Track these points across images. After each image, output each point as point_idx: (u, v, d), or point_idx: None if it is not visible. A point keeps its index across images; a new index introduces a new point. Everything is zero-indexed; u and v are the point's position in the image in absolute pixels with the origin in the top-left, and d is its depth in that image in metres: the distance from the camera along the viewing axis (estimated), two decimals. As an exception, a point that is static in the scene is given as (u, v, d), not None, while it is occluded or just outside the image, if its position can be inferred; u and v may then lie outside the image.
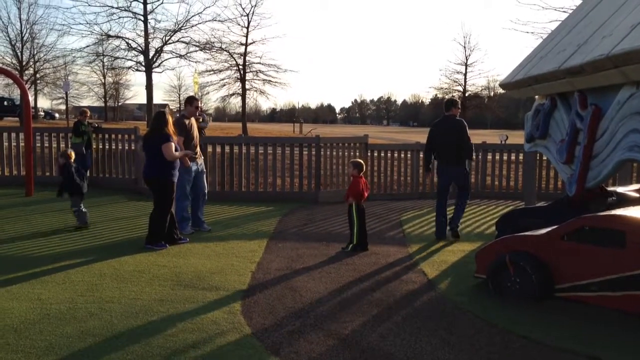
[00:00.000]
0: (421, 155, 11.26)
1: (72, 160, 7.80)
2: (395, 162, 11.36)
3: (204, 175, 7.69)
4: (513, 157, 11.75)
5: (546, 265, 4.71)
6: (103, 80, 57.74)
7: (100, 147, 11.85)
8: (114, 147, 11.70)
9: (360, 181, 6.66)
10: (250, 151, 10.59)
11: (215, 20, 35.43)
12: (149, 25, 33.44)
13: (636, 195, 5.84)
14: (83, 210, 7.64)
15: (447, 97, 47.11)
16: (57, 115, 51.81)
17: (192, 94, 29.43)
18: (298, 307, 4.60)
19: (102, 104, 61.84)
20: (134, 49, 34.36)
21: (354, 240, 6.62)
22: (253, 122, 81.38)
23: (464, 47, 47.98)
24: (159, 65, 34.93)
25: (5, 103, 39.63)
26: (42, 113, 48.00)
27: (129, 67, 37.02)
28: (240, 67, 37.16)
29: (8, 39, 37.69)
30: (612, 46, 3.57)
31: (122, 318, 4.22)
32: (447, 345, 3.84)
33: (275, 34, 77.50)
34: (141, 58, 34.56)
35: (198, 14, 40.23)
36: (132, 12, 33.53)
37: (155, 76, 58.23)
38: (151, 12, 33.75)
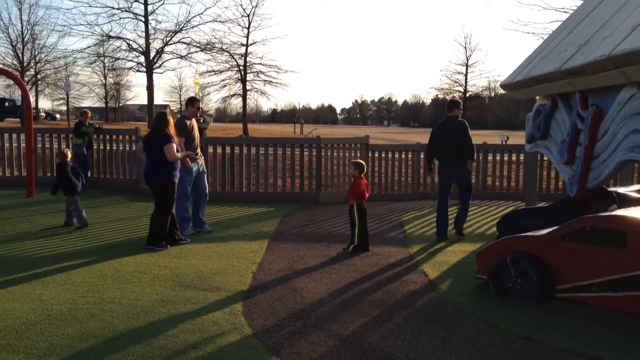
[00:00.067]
0: (421, 156, 11.30)
1: (69, 159, 7.82)
2: (396, 163, 11.36)
3: (205, 176, 7.69)
4: (514, 158, 11.74)
5: (547, 266, 4.71)
6: (104, 81, 57.84)
7: (101, 147, 11.86)
8: (114, 148, 11.71)
9: (361, 182, 6.66)
10: (251, 152, 10.59)
11: (216, 21, 35.55)
12: (149, 26, 33.55)
13: (637, 195, 5.83)
14: (82, 211, 7.66)
15: (448, 97, 47.27)
16: (58, 116, 51.88)
17: (192, 94, 29.48)
18: (299, 307, 4.60)
19: (103, 105, 61.89)
20: (135, 49, 34.45)
21: (355, 241, 6.62)
22: (254, 122, 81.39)
23: (465, 47, 48.05)
24: (159, 66, 35.02)
25: (7, 104, 39.67)
26: (43, 114, 48.07)
27: (130, 68, 37.12)
28: (241, 67, 37.21)
29: (9, 40, 37.82)
30: (612, 47, 3.56)
31: (123, 319, 4.22)
32: (448, 346, 3.84)
33: (276, 35, 77.52)
34: (142, 59, 34.64)
35: (199, 14, 40.13)
36: (133, 13, 33.64)
37: (156, 77, 58.31)
38: (152, 12, 33.90)
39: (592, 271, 4.49)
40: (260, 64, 37.63)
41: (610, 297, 4.41)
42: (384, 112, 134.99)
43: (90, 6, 32.98)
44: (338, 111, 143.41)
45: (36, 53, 38.94)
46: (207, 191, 7.72)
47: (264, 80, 38.38)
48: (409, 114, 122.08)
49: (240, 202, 10.12)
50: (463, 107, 7.80)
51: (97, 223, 8.00)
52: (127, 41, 34.17)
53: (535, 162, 8.00)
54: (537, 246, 4.82)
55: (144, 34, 33.51)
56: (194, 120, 7.49)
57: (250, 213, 9.19)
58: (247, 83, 37.96)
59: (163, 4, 34.97)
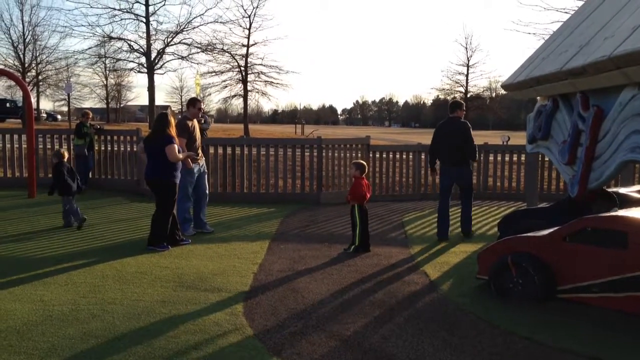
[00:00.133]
0: (422, 157, 11.31)
1: (66, 160, 7.86)
2: (397, 163, 11.36)
3: (206, 177, 7.69)
4: (515, 158, 11.74)
5: (548, 267, 4.70)
6: (105, 82, 57.94)
7: (102, 148, 11.87)
8: (116, 148, 11.72)
9: (362, 182, 6.66)
10: (252, 152, 10.59)
11: (217, 21, 35.58)
12: (150, 27, 33.52)
13: (638, 196, 5.83)
14: (78, 211, 7.71)
15: (449, 98, 47.23)
16: (59, 117, 51.85)
17: (194, 95, 29.50)
18: (300, 308, 4.60)
19: (104, 106, 61.97)
20: (136, 50, 34.45)
21: (356, 242, 6.62)
22: (255, 123, 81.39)
23: (466, 48, 48.07)
24: (160, 67, 35.00)
25: (8, 105, 39.67)
26: (45, 115, 48.08)
27: (131, 69, 37.12)
28: (242, 68, 37.18)
29: (10, 41, 37.85)
30: (614, 47, 3.56)
31: (124, 319, 4.23)
32: (449, 347, 3.84)
33: (276, 36, 77.63)
34: (143, 60, 34.64)
35: (200, 15, 40.13)
36: (134, 14, 33.64)
37: (157, 78, 58.40)
38: (153, 13, 33.84)
39: (593, 272, 4.49)
40: (261, 64, 37.62)
41: (611, 298, 4.40)
42: (385, 112, 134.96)
43: (91, 7, 33.23)
44: (339, 112, 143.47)
45: (37, 54, 38.99)
46: (208, 192, 7.72)
47: (265, 81, 38.35)
48: (409, 114, 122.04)
49: (241, 203, 10.13)
50: (464, 108, 7.82)
51: (98, 224, 8.01)
52: (128, 42, 34.22)
53: (537, 162, 8.00)
54: (538, 247, 4.82)
55: (145, 34, 33.52)
56: (195, 121, 7.49)
57: (251, 214, 9.19)
58: (248, 84, 37.92)
59: (164, 4, 34.87)
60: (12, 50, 38.01)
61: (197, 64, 36.30)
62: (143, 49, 34.05)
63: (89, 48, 36.16)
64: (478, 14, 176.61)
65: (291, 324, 4.24)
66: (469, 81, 48.52)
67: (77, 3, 33.18)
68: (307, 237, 7.47)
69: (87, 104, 55.55)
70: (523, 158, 11.27)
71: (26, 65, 38.08)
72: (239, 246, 6.83)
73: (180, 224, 7.01)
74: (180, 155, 6.57)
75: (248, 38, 36.70)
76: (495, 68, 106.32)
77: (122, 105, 69.16)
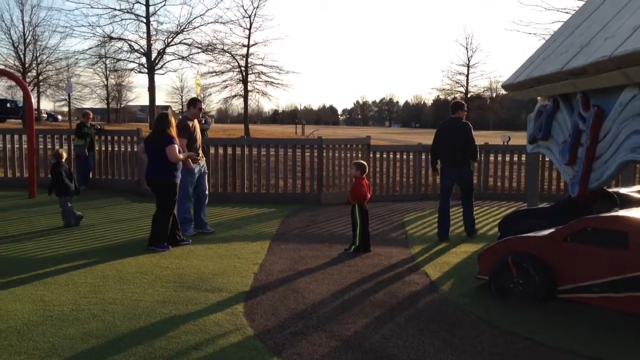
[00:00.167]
0: (423, 157, 11.32)
1: (64, 160, 7.92)
2: (397, 164, 11.36)
3: (206, 177, 7.69)
4: (515, 159, 11.73)
5: (549, 267, 4.70)
6: (105, 82, 57.96)
7: (103, 149, 11.88)
8: (116, 149, 11.73)
9: (362, 183, 6.66)
10: (253, 153, 10.60)
11: (217, 22, 35.58)
12: (151, 27, 33.53)
13: (639, 196, 5.83)
14: (73, 211, 7.75)
15: (449, 98, 47.20)
16: (59, 117, 51.84)
17: (194, 95, 29.47)
18: (300, 308, 4.60)
19: (105, 106, 61.98)
20: (137, 50, 34.47)
21: (356, 242, 6.62)
22: (255, 123, 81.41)
23: (466, 48, 48.11)
24: (161, 67, 35.03)
25: (8, 105, 39.64)
26: (45, 115, 48.01)
27: (132, 69, 37.15)
28: (243, 68, 37.18)
29: (11, 41, 37.87)
30: (614, 47, 3.56)
31: (125, 320, 4.23)
32: (449, 347, 3.84)
33: (277, 36, 77.60)
34: (143, 60, 34.66)
35: (200, 15, 40.05)
36: (135, 14, 33.66)
37: (157, 78, 58.38)
38: (153, 14, 33.84)
39: (593, 272, 4.49)
40: (262, 64, 37.61)
41: (612, 298, 4.40)
42: (386, 112, 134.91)
43: (92, 7, 33.25)
44: (339, 112, 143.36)
45: (38, 54, 39.00)
46: (208, 192, 7.71)
47: (266, 81, 38.35)
48: (410, 114, 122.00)
49: (242, 203, 10.13)
50: (466, 109, 7.84)
51: (98, 224, 8.01)
52: (129, 42, 34.23)
53: (537, 162, 8.00)
54: (539, 247, 4.81)
55: (145, 35, 33.54)
56: (195, 121, 7.49)
57: (251, 214, 9.19)
58: (249, 84, 37.92)
59: (164, 5, 34.80)
60: (12, 51, 38.08)
61: (198, 64, 36.33)
62: (143, 49, 34.07)
63: (90, 48, 36.23)
64: (478, 14, 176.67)
65: (292, 324, 4.24)
66: (469, 81, 48.58)
67: (78, 3, 33.14)
68: (308, 237, 7.47)
69: (87, 104, 55.58)
70: (523, 158, 11.27)
71: (27, 65, 38.11)
72: (240, 246, 6.83)
73: (180, 224, 7.01)
74: (181, 156, 6.57)
75: (248, 38, 36.71)
76: (496, 68, 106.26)
77: (122, 106, 69.18)
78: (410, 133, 59.89)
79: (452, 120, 7.53)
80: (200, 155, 7.45)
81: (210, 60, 37.21)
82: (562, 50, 4.80)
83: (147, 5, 33.33)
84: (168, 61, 35.46)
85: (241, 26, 36.80)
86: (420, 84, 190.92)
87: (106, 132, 12.25)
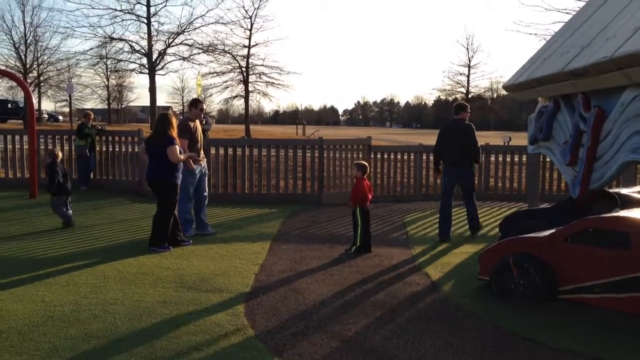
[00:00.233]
0: (424, 157, 11.32)
1: (59, 160, 7.97)
2: (398, 164, 11.36)
3: (206, 179, 7.68)
4: (516, 159, 11.73)
5: (550, 267, 4.70)
6: (106, 83, 57.97)
7: (104, 149, 11.89)
8: (117, 149, 11.74)
9: (363, 183, 6.66)
10: (254, 153, 10.60)
11: (218, 22, 35.62)
12: (152, 28, 33.57)
13: (640, 196, 5.82)
14: (66, 210, 7.80)
15: (450, 99, 47.21)
16: (60, 117, 51.87)
17: (195, 96, 29.46)
18: (301, 309, 4.60)
19: (106, 107, 62.01)
20: (137, 51, 34.52)
21: (357, 242, 6.62)
22: (256, 124, 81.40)
23: (467, 48, 48.09)
24: (162, 68, 35.07)
25: (9, 106, 39.65)
26: (46, 115, 48.06)
27: (132, 70, 37.21)
28: (243, 69, 37.20)
29: (12, 41, 37.86)
30: (615, 48, 3.56)
31: (126, 320, 4.23)
32: (450, 347, 3.84)
33: (278, 36, 77.62)
34: (144, 60, 34.71)
35: (201, 16, 40.03)
36: (136, 15, 33.71)
37: (158, 78, 58.41)
38: (154, 14, 33.87)
39: (594, 272, 4.49)
40: (263, 65, 37.63)
41: (613, 299, 4.40)
42: (386, 113, 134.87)
43: (92, 8, 33.15)
44: (340, 112, 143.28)
45: (39, 55, 38.98)
46: (207, 194, 7.67)
47: (266, 82, 38.37)
48: (411, 115, 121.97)
49: (243, 203, 10.13)
50: (469, 110, 7.85)
51: (99, 224, 8.02)
52: (130, 43, 34.28)
53: (538, 163, 8.00)
54: (540, 247, 4.81)
55: (146, 35, 33.57)
56: (197, 121, 7.49)
57: (252, 214, 9.20)
58: (250, 84, 37.94)
59: (165, 5, 34.85)
60: (13, 51, 38.05)
61: (199, 64, 36.35)
62: (144, 50, 34.11)
63: (91, 49, 36.13)
64: (479, 15, 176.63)
65: (292, 324, 4.24)
66: (470, 82, 48.55)
67: (79, 4, 33.13)
68: (309, 237, 7.47)
69: (88, 105, 55.65)
70: (524, 159, 11.26)
71: (27, 66, 38.11)
72: (240, 247, 6.83)
73: (181, 224, 7.01)
74: (182, 156, 6.58)
75: (249, 39, 36.74)
76: (497, 69, 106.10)
77: (123, 106, 69.20)
78: (411, 133, 59.87)
79: (455, 122, 7.56)
80: (201, 156, 7.45)
81: (211, 61, 37.24)
82: (563, 51, 4.80)
83: (148, 5, 33.37)
84: (169, 62, 35.55)
85: (242, 27, 36.80)
86: (421, 84, 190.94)
87: (107, 132, 12.25)
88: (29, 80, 36.97)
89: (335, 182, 10.76)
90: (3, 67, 32.48)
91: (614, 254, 4.36)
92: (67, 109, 48.31)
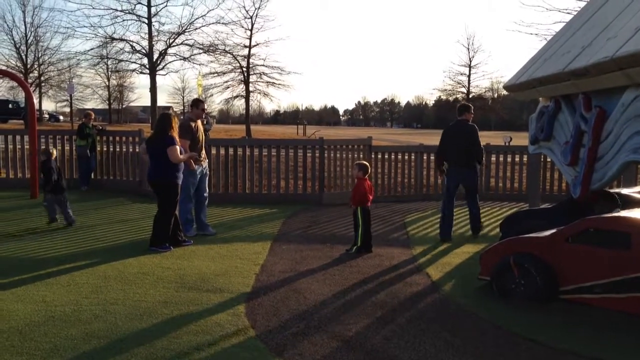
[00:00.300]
0: (424, 157, 11.31)
1: (54, 158, 8.00)
2: (399, 164, 11.36)
3: (207, 179, 7.67)
4: (517, 159, 11.72)
5: (550, 267, 4.70)
6: (107, 83, 57.99)
7: (105, 149, 11.89)
8: (118, 149, 11.74)
9: (364, 183, 6.66)
10: (254, 153, 10.60)
11: (218, 22, 35.61)
12: (153, 28, 33.61)
13: (641, 197, 5.82)
14: (53, 208, 7.87)
15: (451, 99, 47.19)
16: (61, 117, 51.90)
17: (196, 96, 29.51)
18: (302, 309, 4.60)
19: (107, 107, 62.03)
20: (138, 51, 34.56)
21: (358, 242, 6.62)
22: (256, 124, 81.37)
23: (468, 48, 48.08)
24: (162, 68, 35.12)
25: (10, 106, 39.71)
26: (47, 115, 48.11)
27: (133, 70, 37.22)
28: (244, 69, 37.23)
29: (13, 42, 37.90)
30: (616, 48, 3.56)
31: (127, 320, 4.23)
32: (451, 347, 3.84)
33: (278, 36, 77.10)
34: (145, 61, 34.74)
35: (202, 16, 40.03)
36: (136, 15, 33.75)
37: (159, 79, 58.43)
38: (155, 14, 33.91)
39: (595, 272, 4.48)
40: (263, 65, 37.65)
41: (614, 299, 4.40)
42: (387, 113, 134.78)
43: (93, 8, 33.23)
44: (341, 112, 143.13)
45: (40, 55, 39.01)
46: (207, 194, 7.65)
47: (267, 82, 38.40)
48: (411, 115, 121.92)
49: (243, 204, 10.13)
50: (472, 111, 7.87)
51: (100, 224, 8.02)
52: (131, 43, 34.31)
53: (539, 163, 8.00)
54: (541, 247, 4.81)
55: (147, 35, 33.60)
56: (199, 122, 7.49)
57: (253, 214, 9.20)
58: (250, 84, 37.96)
59: (166, 6, 34.91)
60: (14, 52, 38.08)
61: (199, 64, 36.41)
62: (145, 50, 34.14)
63: (91, 49, 36.08)
64: (480, 15, 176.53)
65: (293, 324, 4.24)
66: (471, 82, 48.55)
67: (79, 4, 33.19)
68: (309, 237, 7.47)
69: (89, 105, 55.65)
70: (525, 159, 11.26)
71: (28, 66, 38.14)
72: (241, 247, 6.83)
73: (182, 224, 7.01)
74: (182, 157, 6.58)
75: (250, 39, 36.77)
76: (497, 69, 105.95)
77: (124, 106, 69.21)
78: (412, 133, 59.86)
79: (459, 122, 7.58)
80: (203, 156, 7.45)
81: (211, 61, 37.30)
82: (564, 51, 4.80)
83: (149, 6, 33.40)
84: (170, 62, 35.60)
85: (243, 27, 36.84)
86: (421, 84, 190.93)
87: (108, 132, 12.26)
88: (29, 81, 36.99)
89: (336, 182, 10.76)
90: (4, 67, 32.50)
91: (615, 254, 4.36)
92: (67, 109, 48.34)
